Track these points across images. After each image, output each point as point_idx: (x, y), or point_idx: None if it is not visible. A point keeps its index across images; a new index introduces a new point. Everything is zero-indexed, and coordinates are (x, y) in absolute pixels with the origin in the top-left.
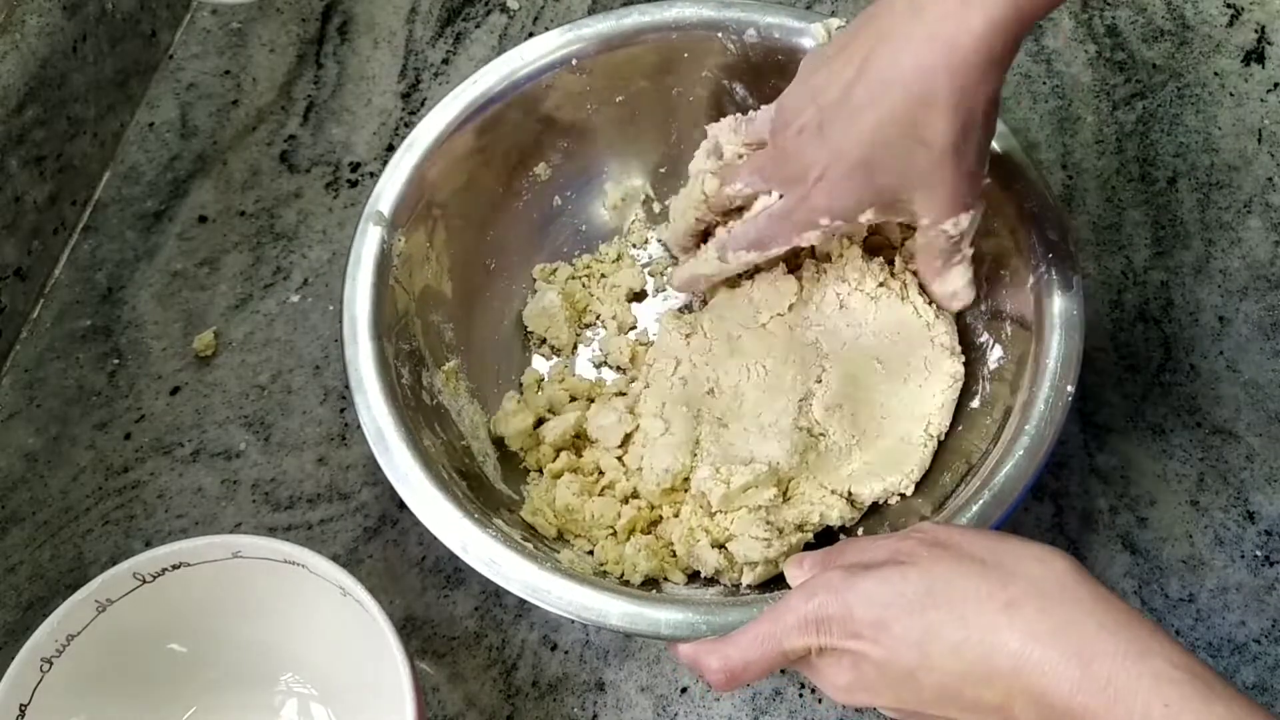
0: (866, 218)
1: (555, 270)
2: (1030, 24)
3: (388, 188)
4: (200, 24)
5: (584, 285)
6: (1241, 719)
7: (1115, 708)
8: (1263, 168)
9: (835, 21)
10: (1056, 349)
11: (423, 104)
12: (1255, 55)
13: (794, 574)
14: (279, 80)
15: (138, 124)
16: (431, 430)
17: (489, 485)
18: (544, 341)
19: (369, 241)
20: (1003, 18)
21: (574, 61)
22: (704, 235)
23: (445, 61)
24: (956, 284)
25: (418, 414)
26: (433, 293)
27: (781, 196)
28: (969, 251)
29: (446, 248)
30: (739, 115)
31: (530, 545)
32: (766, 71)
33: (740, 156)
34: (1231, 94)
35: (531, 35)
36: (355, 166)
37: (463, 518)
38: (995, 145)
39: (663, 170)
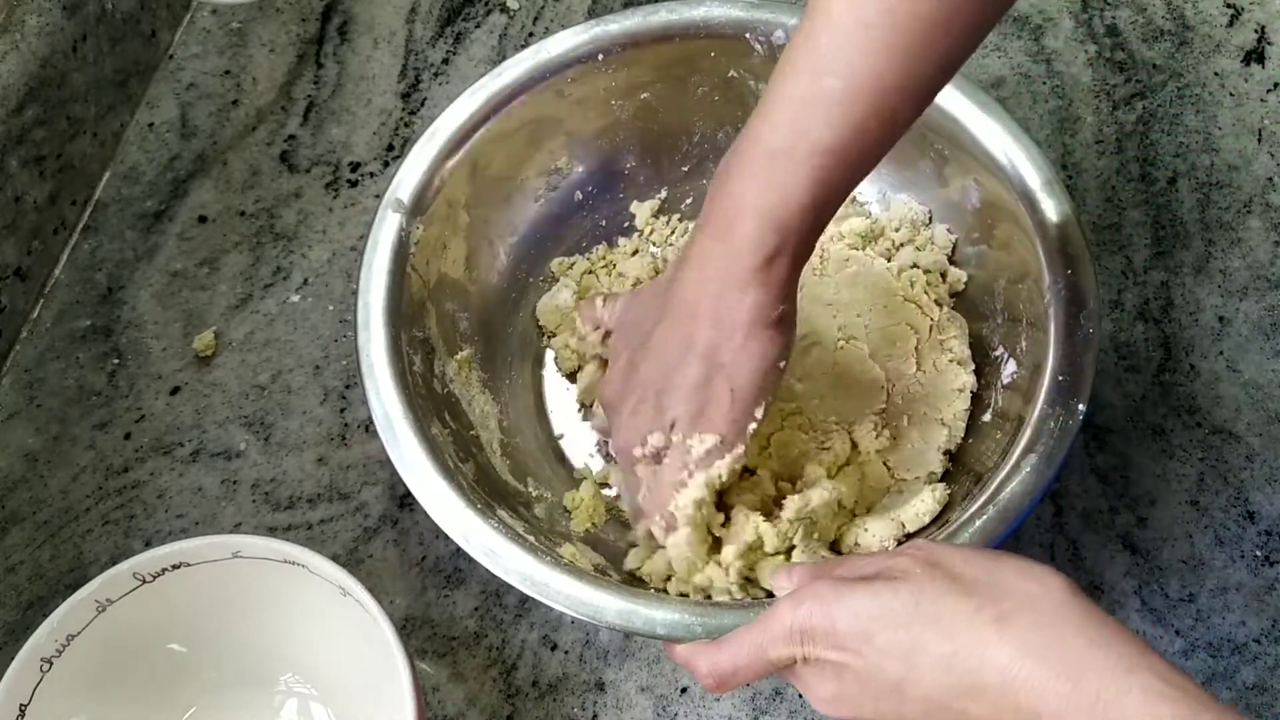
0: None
1: (573, 264)
2: (796, 251)
3: (408, 176)
4: (200, 24)
5: (599, 279)
6: None
7: None
8: (1263, 168)
9: None
10: (1069, 366)
11: (423, 104)
12: (1255, 55)
13: (781, 585)
14: (279, 80)
15: (138, 124)
16: (440, 419)
17: (495, 477)
18: (555, 334)
19: (387, 228)
20: (762, 240)
21: (599, 57)
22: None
23: (445, 61)
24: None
25: (427, 402)
26: (449, 282)
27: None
28: (684, 495)
29: (465, 238)
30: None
31: (531, 539)
32: None
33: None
34: (1231, 94)
35: (531, 35)
36: (355, 166)
37: (465, 507)
38: (1022, 155)
39: (685, 169)
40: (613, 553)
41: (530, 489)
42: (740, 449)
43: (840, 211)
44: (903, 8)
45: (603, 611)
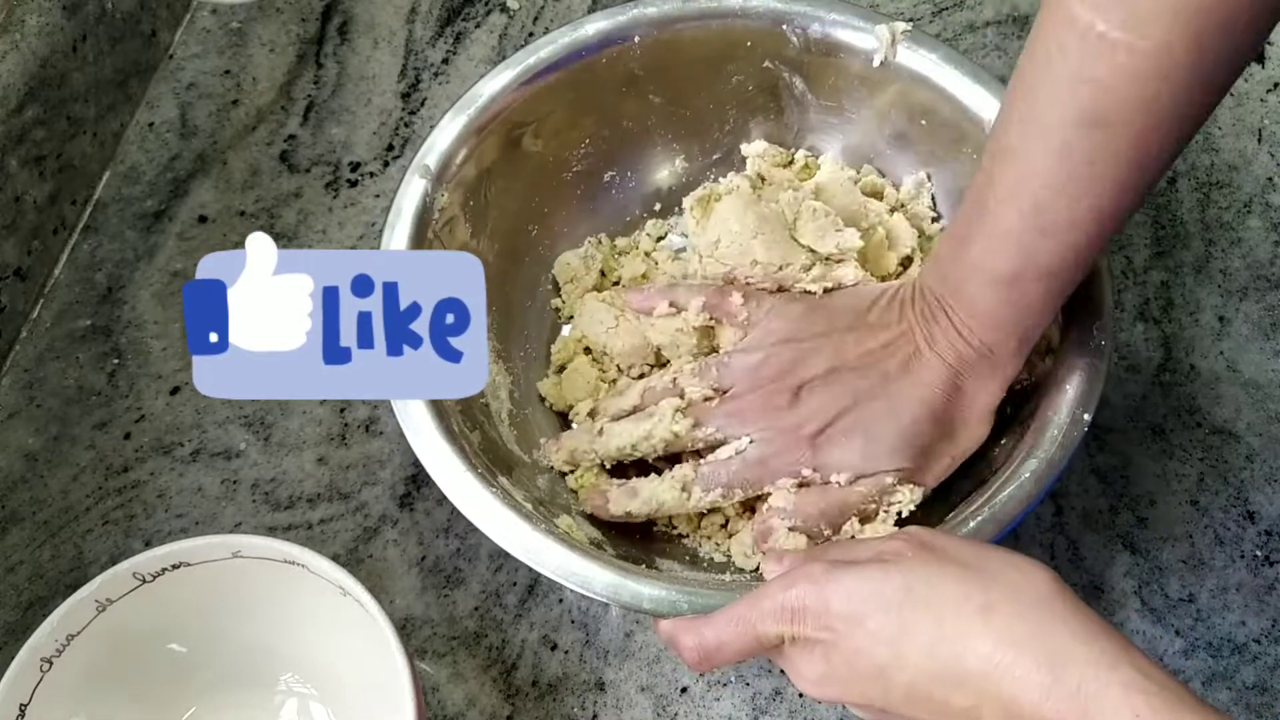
0: (840, 479)
1: (599, 244)
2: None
3: (437, 143)
4: (200, 24)
5: (618, 258)
6: None
7: (1085, 715)
8: (1263, 168)
9: (901, 25)
10: (1078, 375)
11: (423, 104)
12: (1255, 55)
13: (772, 569)
14: (279, 80)
15: (138, 124)
16: None
17: (502, 446)
18: (568, 284)
19: (411, 193)
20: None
21: (635, 39)
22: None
23: (445, 61)
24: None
25: None
26: (471, 250)
27: (752, 441)
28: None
29: (490, 208)
30: (701, 359)
31: (529, 507)
32: (828, 69)
33: (707, 399)
34: (1231, 94)
35: (531, 35)
36: (355, 166)
37: (466, 470)
38: None
39: (716, 156)
40: (612, 529)
41: (536, 460)
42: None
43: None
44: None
45: (591, 582)
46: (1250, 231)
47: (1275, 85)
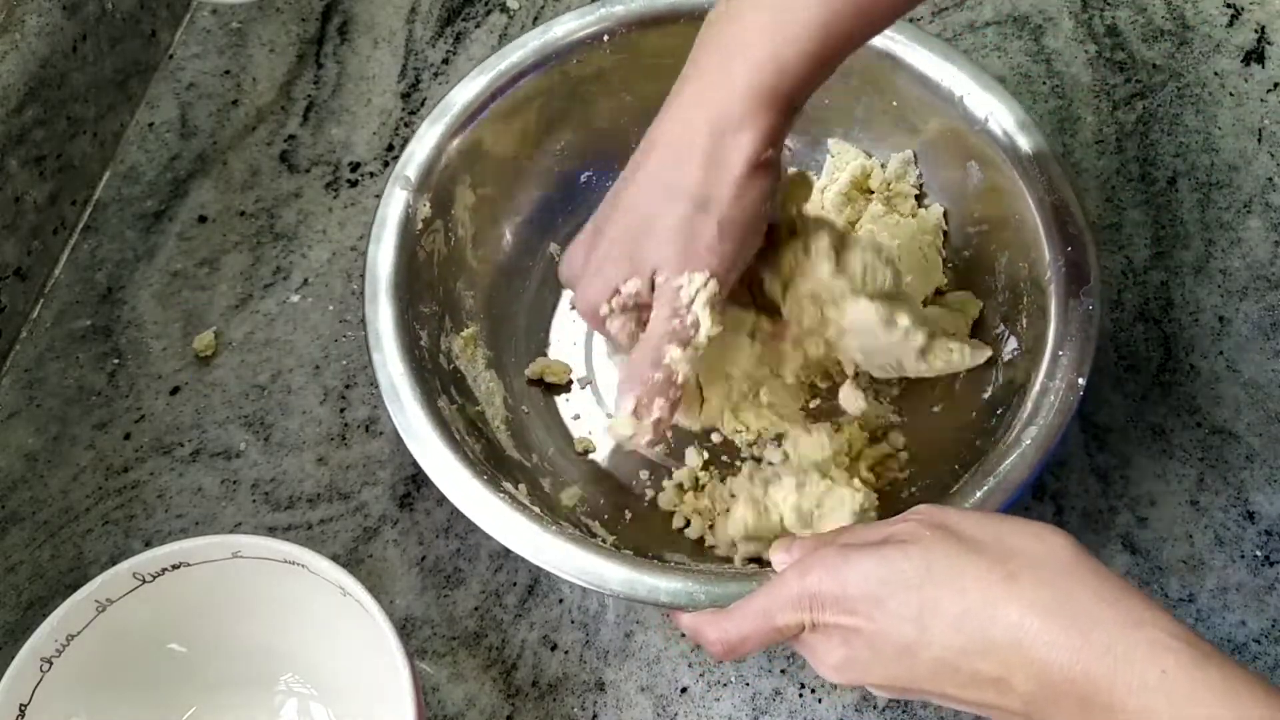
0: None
1: None
2: (794, 97)
3: (416, 153)
4: (200, 24)
5: None
6: (1235, 684)
7: (1115, 675)
8: (1263, 168)
9: None
10: (1070, 343)
11: (423, 104)
12: (1255, 55)
13: (780, 558)
14: (279, 80)
15: (138, 124)
16: (447, 394)
17: (502, 452)
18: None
19: (394, 204)
20: (761, 82)
21: (605, 38)
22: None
23: (445, 61)
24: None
25: (434, 376)
26: (456, 259)
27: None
28: (682, 355)
29: (472, 216)
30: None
31: (537, 509)
32: None
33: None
34: (1231, 94)
35: None
36: (355, 166)
37: (472, 478)
38: (1023, 137)
39: None
40: (615, 525)
41: (535, 462)
42: (722, 287)
43: (842, 159)
44: None
45: (607, 580)
46: (1250, 231)
47: (1275, 85)
